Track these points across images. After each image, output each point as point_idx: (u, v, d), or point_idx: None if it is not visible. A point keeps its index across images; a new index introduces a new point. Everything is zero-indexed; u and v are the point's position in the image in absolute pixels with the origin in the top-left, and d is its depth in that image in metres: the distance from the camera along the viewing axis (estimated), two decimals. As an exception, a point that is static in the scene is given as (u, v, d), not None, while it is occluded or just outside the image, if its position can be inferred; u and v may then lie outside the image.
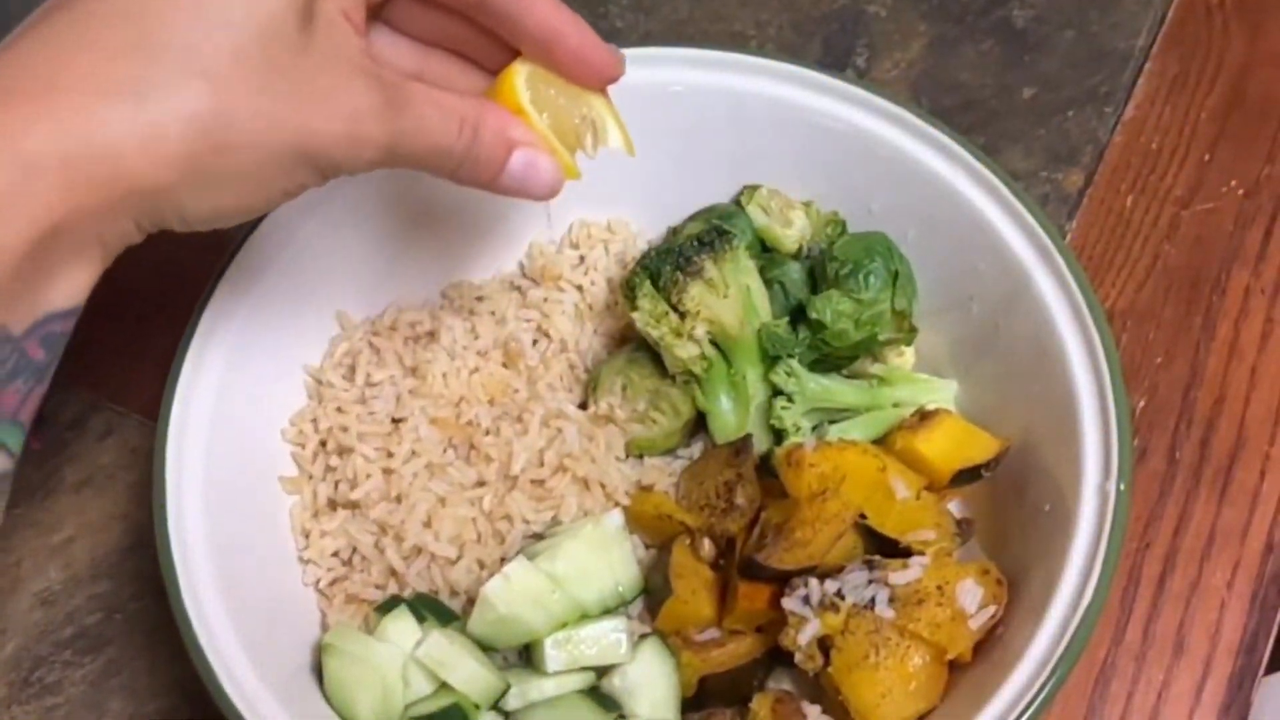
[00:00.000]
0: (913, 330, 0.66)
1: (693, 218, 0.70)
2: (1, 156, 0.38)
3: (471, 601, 0.59)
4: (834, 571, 0.58)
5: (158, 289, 0.64)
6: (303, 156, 0.44)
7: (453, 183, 0.51)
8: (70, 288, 0.42)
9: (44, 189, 0.38)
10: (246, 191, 0.44)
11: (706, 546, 0.61)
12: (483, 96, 0.52)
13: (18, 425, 0.41)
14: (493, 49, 0.53)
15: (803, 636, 0.56)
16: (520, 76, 0.52)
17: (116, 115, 0.39)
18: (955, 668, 0.57)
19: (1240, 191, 0.77)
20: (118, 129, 0.39)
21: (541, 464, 0.63)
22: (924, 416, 0.63)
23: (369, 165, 0.46)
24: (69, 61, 0.40)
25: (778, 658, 0.59)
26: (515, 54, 0.53)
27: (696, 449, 0.67)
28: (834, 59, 0.82)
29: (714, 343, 0.64)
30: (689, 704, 0.59)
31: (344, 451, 0.63)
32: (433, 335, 0.67)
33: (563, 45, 0.51)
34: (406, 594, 0.61)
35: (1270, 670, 0.64)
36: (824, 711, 0.58)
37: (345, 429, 0.63)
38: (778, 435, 0.64)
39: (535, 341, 0.68)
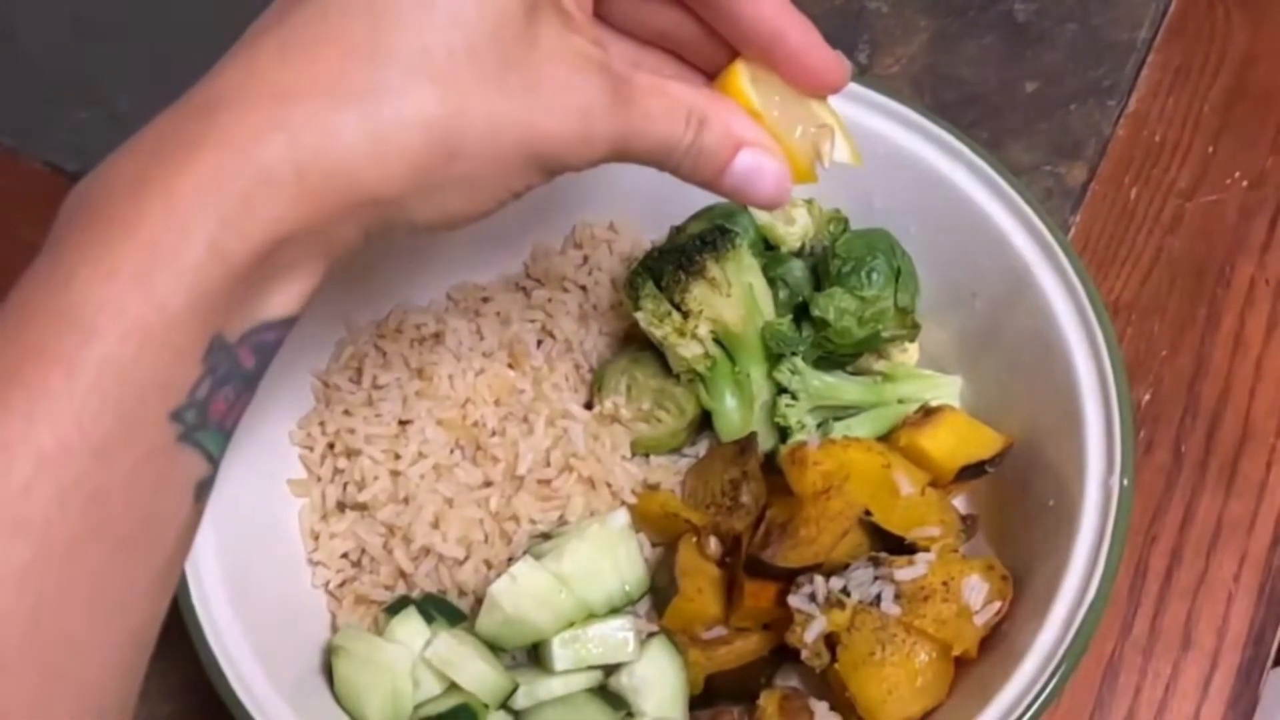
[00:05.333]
0: (916, 326, 0.66)
1: (695, 217, 0.70)
2: (235, 167, 0.36)
3: (479, 601, 0.59)
4: (839, 569, 0.58)
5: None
6: (532, 159, 0.42)
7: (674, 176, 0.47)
8: (288, 296, 0.40)
9: (275, 201, 0.37)
10: (475, 196, 0.42)
11: (712, 544, 0.61)
12: (708, 89, 0.48)
13: (223, 433, 0.39)
14: (710, 50, 0.50)
15: (809, 634, 0.56)
16: (744, 74, 0.48)
17: (349, 126, 0.38)
18: (961, 664, 0.57)
19: (1244, 183, 0.77)
20: (350, 141, 0.38)
21: (548, 464, 0.63)
22: (928, 413, 0.63)
23: (594, 163, 0.44)
24: (301, 66, 0.38)
25: (785, 655, 0.59)
26: (733, 57, 0.49)
27: (702, 447, 0.67)
28: (836, 55, 0.82)
29: (718, 341, 0.64)
30: (696, 702, 0.59)
31: (352, 454, 0.64)
32: (438, 337, 0.67)
33: (784, 45, 0.48)
34: (415, 595, 0.61)
35: (1278, 663, 0.64)
36: (831, 708, 0.58)
37: (352, 431, 0.64)
38: (782, 433, 0.64)
39: (540, 342, 0.68)
